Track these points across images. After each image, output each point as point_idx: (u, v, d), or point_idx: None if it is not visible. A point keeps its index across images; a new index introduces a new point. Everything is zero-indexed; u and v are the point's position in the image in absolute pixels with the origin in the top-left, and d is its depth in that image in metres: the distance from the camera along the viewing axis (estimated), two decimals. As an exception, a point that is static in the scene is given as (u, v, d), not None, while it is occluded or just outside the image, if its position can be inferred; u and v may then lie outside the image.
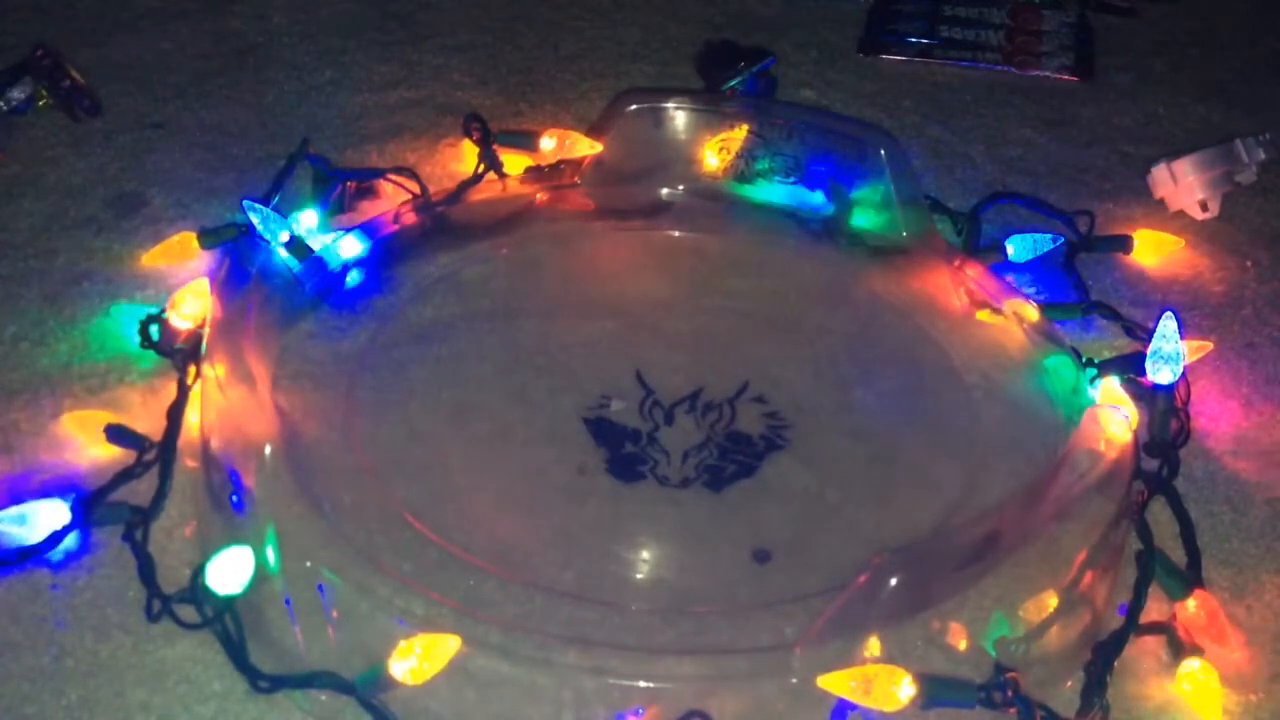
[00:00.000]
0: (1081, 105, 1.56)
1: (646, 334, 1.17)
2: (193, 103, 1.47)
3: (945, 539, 0.96)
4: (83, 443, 1.05)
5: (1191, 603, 0.95)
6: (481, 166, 1.29)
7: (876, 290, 1.23)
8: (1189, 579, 0.98)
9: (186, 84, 1.50)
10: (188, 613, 0.91)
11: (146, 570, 0.94)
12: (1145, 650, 0.94)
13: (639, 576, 0.97)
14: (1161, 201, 1.38)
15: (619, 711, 0.86)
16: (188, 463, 1.03)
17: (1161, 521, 1.02)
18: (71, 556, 0.97)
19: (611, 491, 1.02)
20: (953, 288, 1.22)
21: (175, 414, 1.05)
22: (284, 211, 1.20)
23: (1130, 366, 1.09)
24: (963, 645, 0.90)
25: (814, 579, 0.95)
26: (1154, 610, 0.96)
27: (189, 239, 1.25)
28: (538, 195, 1.30)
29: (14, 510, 0.97)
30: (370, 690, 0.86)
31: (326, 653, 0.88)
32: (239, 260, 1.11)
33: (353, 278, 1.20)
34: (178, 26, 1.60)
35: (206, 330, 1.03)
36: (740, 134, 1.30)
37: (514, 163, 1.32)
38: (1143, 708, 0.91)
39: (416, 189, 1.30)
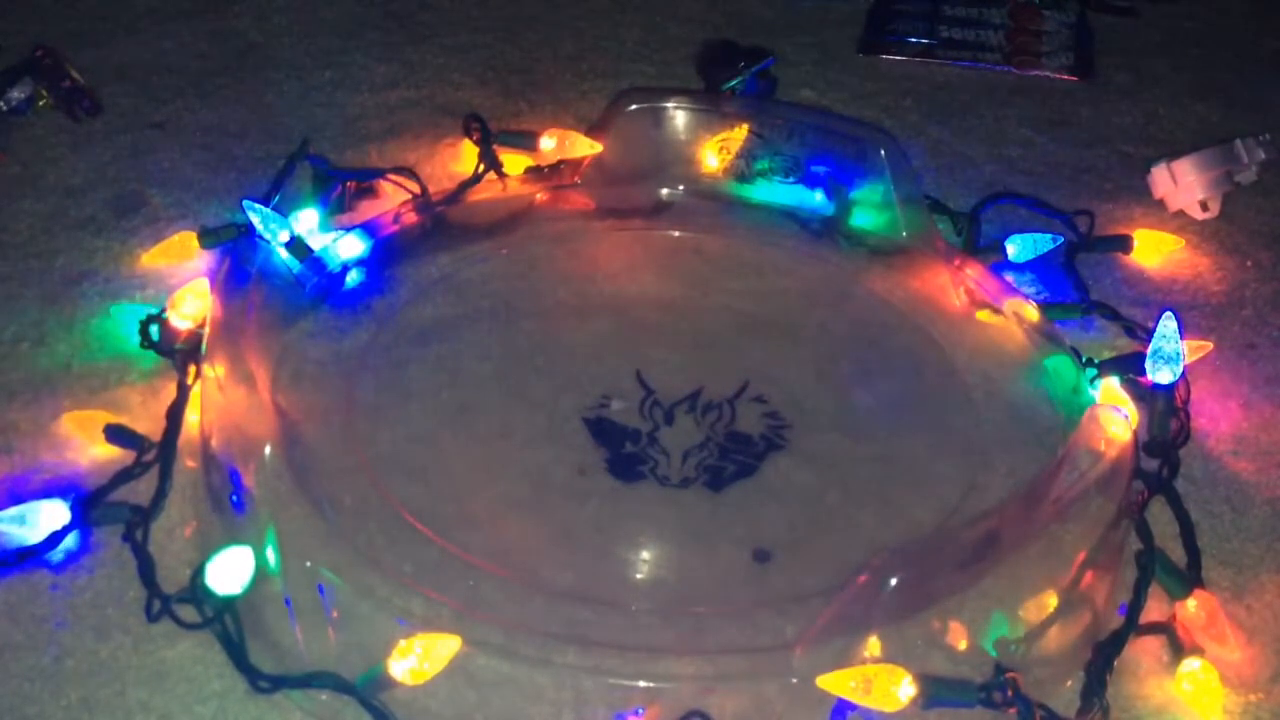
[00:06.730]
0: (1081, 105, 1.56)
1: (646, 334, 1.17)
2: (193, 103, 1.47)
3: (945, 539, 0.96)
4: (83, 443, 1.05)
5: (1191, 603, 0.95)
6: (481, 166, 1.29)
7: (876, 290, 1.23)
8: (1189, 579, 0.98)
9: (186, 84, 1.50)
10: (188, 613, 0.91)
11: (146, 570, 0.94)
12: (1145, 650, 0.94)
13: (639, 576, 0.97)
14: (1161, 201, 1.38)
15: (619, 711, 0.86)
16: (188, 463, 1.03)
17: (1161, 521, 1.02)
18: (71, 556, 0.97)
19: (611, 491, 1.02)
20: (953, 288, 1.22)
21: (175, 414, 1.05)
22: (284, 211, 1.20)
23: (1130, 366, 1.09)
24: (963, 645, 0.89)
25: (814, 579, 0.95)
26: (1154, 610, 0.96)
27: (189, 239, 1.25)
28: (538, 195, 1.30)
29: (14, 510, 0.97)
30: (370, 690, 0.86)
31: (326, 653, 0.88)
32: (239, 260, 1.11)
33: (353, 278, 1.20)
34: (178, 26, 1.60)
35: (206, 330, 1.03)
36: (740, 134, 1.30)
37: (514, 163, 1.32)
38: (1143, 708, 0.91)
39: (416, 189, 1.30)
